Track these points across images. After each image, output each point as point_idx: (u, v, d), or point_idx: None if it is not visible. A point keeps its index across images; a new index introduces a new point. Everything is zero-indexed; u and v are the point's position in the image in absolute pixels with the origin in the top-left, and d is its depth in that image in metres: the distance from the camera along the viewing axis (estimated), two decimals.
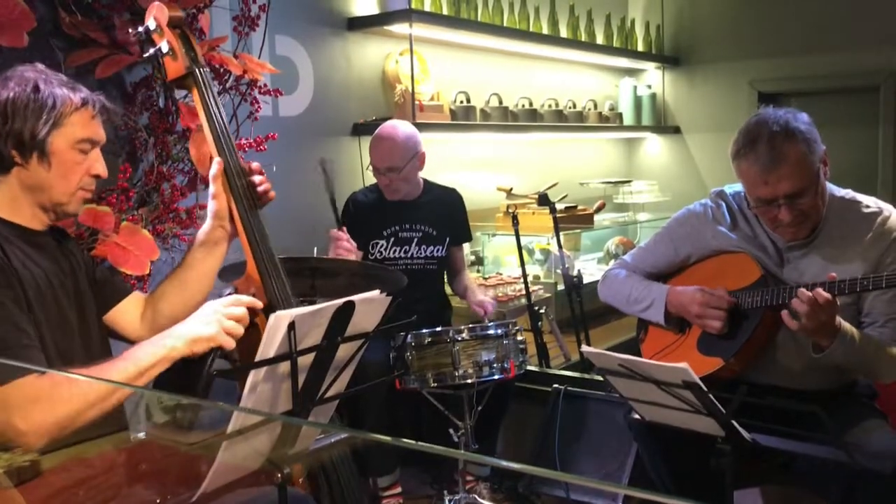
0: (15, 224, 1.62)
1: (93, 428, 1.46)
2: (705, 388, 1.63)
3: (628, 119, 5.42)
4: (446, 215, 3.18)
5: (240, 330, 1.59)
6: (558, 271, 3.72)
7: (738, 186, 2.27)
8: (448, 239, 3.16)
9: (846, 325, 1.93)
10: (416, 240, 3.11)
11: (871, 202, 2.10)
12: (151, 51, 1.84)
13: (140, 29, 1.85)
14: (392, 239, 3.10)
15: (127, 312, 1.84)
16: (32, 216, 1.65)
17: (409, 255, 3.10)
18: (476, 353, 2.54)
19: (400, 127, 3.08)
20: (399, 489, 2.94)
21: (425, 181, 3.20)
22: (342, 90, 3.61)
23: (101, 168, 1.70)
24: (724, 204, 2.25)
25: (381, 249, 3.09)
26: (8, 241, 1.58)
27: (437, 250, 3.14)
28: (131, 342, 1.76)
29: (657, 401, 1.76)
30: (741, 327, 2.10)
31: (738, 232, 2.20)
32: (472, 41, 4.16)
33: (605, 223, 4.85)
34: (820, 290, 1.87)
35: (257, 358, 1.33)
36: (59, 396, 1.43)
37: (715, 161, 5.45)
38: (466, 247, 3.92)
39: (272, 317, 1.31)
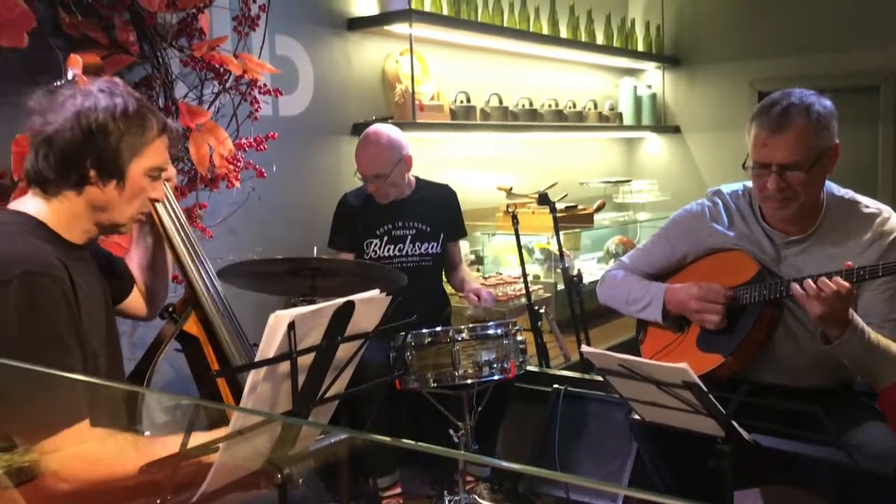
0: (68, 241, 1.60)
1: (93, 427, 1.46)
2: (705, 389, 1.63)
3: (628, 119, 5.41)
4: (439, 211, 3.17)
5: None
6: (558, 271, 3.72)
7: (735, 186, 2.28)
8: (443, 235, 3.16)
9: (857, 319, 1.92)
10: (409, 237, 3.11)
11: (870, 203, 2.11)
12: None
13: (61, 81, 1.93)
14: (385, 238, 3.10)
15: (136, 297, 1.95)
16: (83, 232, 1.63)
17: (403, 252, 3.10)
18: (476, 353, 2.54)
19: (383, 132, 3.06)
20: (399, 489, 2.94)
21: (417, 179, 3.20)
22: (342, 90, 3.61)
23: (160, 192, 1.71)
24: (720, 202, 2.26)
25: (376, 248, 3.09)
26: (73, 263, 1.56)
27: (432, 247, 3.14)
28: (141, 319, 2.01)
29: (657, 401, 1.76)
30: (740, 323, 2.11)
31: (735, 230, 2.20)
32: (473, 41, 4.16)
33: (605, 223, 4.85)
34: (839, 279, 1.86)
35: (257, 358, 1.33)
36: (104, 458, 1.45)
37: (715, 161, 5.46)
38: (466, 246, 3.93)
39: (272, 316, 1.31)
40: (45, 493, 1.41)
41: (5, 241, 1.49)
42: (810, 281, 1.89)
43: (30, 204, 1.59)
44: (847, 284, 1.85)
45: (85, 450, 1.43)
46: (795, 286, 1.93)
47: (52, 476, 1.42)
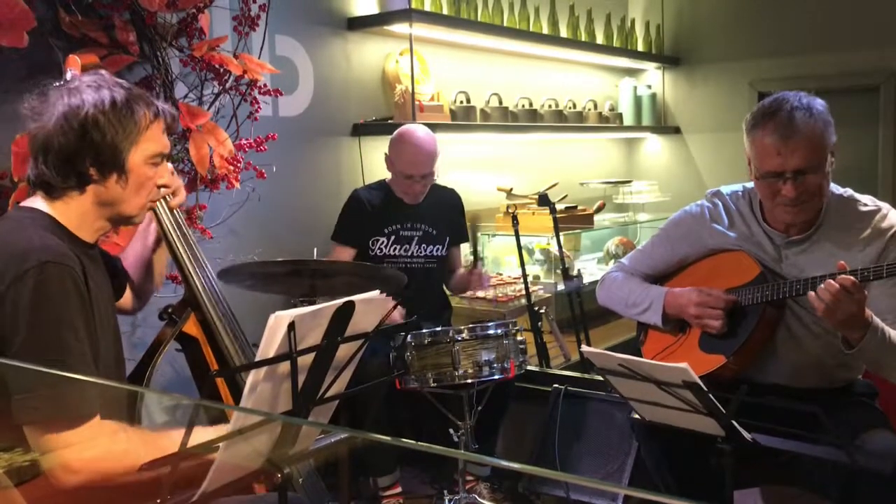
0: (80, 239, 1.61)
1: None
2: (705, 388, 1.63)
3: (628, 119, 5.41)
4: (446, 215, 3.19)
5: None
6: (558, 271, 3.72)
7: (734, 186, 2.28)
8: (448, 239, 3.17)
9: (876, 320, 1.90)
10: (416, 238, 3.12)
11: (868, 200, 2.11)
12: None
13: (59, 83, 1.95)
14: (393, 237, 3.10)
15: (128, 294, 1.96)
16: (94, 230, 1.64)
17: (409, 253, 3.11)
18: (476, 353, 2.54)
19: (427, 131, 3.14)
20: (399, 489, 2.95)
21: None
22: (342, 90, 3.61)
23: (167, 177, 1.72)
24: (720, 203, 2.26)
25: (382, 246, 3.10)
26: (86, 260, 1.57)
27: (438, 250, 3.14)
28: (127, 314, 2.01)
29: (657, 401, 1.76)
30: (742, 324, 2.10)
31: (736, 230, 2.20)
32: (472, 41, 4.16)
33: (605, 223, 4.84)
34: (846, 275, 1.84)
35: (257, 358, 1.33)
36: (115, 451, 1.46)
37: (715, 161, 5.46)
38: (465, 246, 3.93)
39: (272, 317, 1.31)
40: (49, 489, 1.41)
41: (21, 234, 1.51)
42: (821, 286, 1.87)
43: (39, 203, 1.60)
44: (850, 279, 1.83)
45: (97, 444, 1.44)
46: (812, 295, 1.90)
47: (61, 469, 1.42)
